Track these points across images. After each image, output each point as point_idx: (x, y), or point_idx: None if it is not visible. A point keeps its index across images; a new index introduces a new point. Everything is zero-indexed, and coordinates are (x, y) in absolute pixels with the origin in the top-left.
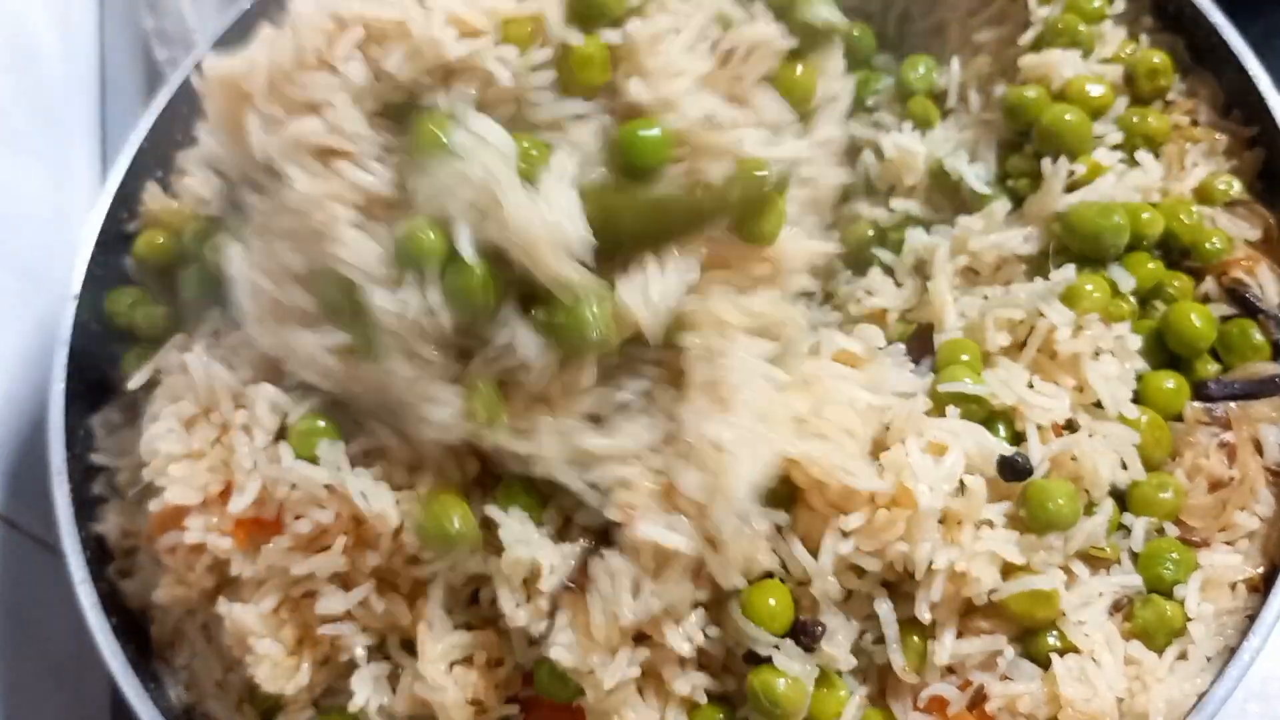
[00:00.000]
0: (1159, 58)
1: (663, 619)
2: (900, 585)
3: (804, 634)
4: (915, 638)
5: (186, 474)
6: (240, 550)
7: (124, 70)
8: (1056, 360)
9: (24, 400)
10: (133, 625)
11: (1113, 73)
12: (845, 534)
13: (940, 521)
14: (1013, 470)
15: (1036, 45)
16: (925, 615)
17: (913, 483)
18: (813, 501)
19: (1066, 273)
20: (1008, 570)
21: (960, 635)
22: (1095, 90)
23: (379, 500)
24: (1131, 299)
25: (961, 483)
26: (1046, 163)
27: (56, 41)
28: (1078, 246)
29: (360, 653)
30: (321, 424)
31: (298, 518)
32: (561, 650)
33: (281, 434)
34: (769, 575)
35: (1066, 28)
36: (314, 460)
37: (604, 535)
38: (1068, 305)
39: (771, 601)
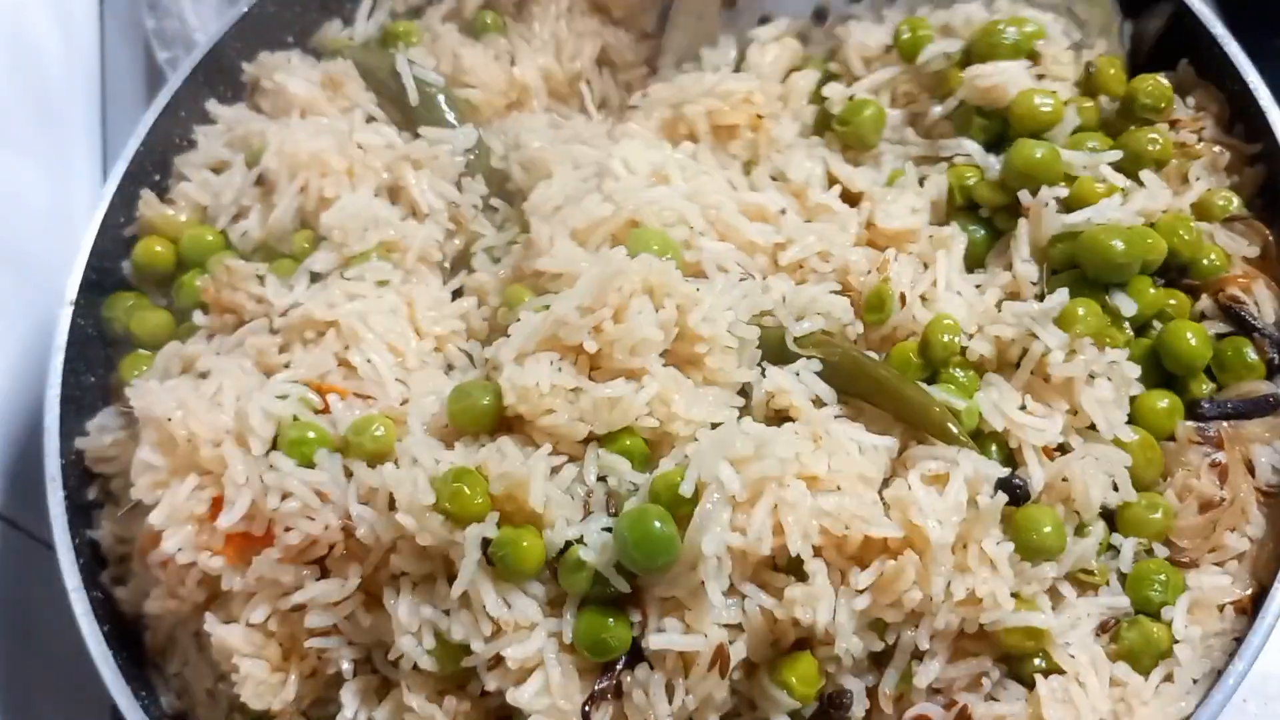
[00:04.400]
0: (1157, 80)
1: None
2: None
3: (834, 706)
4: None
5: (173, 498)
6: (230, 565)
7: (124, 70)
8: (1050, 384)
9: (22, 402)
10: (126, 631)
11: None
12: (859, 591)
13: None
14: (1012, 493)
15: (983, 56)
16: (925, 643)
17: (920, 519)
18: (828, 556)
19: (1060, 296)
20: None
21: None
22: (1045, 105)
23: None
24: (1128, 327)
25: (974, 500)
26: (1025, 194)
27: (57, 42)
28: (1091, 272)
29: (347, 666)
30: (312, 435)
31: (288, 529)
32: None
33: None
34: (799, 645)
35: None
36: (311, 465)
37: (633, 653)
38: (1060, 328)
39: (799, 674)
